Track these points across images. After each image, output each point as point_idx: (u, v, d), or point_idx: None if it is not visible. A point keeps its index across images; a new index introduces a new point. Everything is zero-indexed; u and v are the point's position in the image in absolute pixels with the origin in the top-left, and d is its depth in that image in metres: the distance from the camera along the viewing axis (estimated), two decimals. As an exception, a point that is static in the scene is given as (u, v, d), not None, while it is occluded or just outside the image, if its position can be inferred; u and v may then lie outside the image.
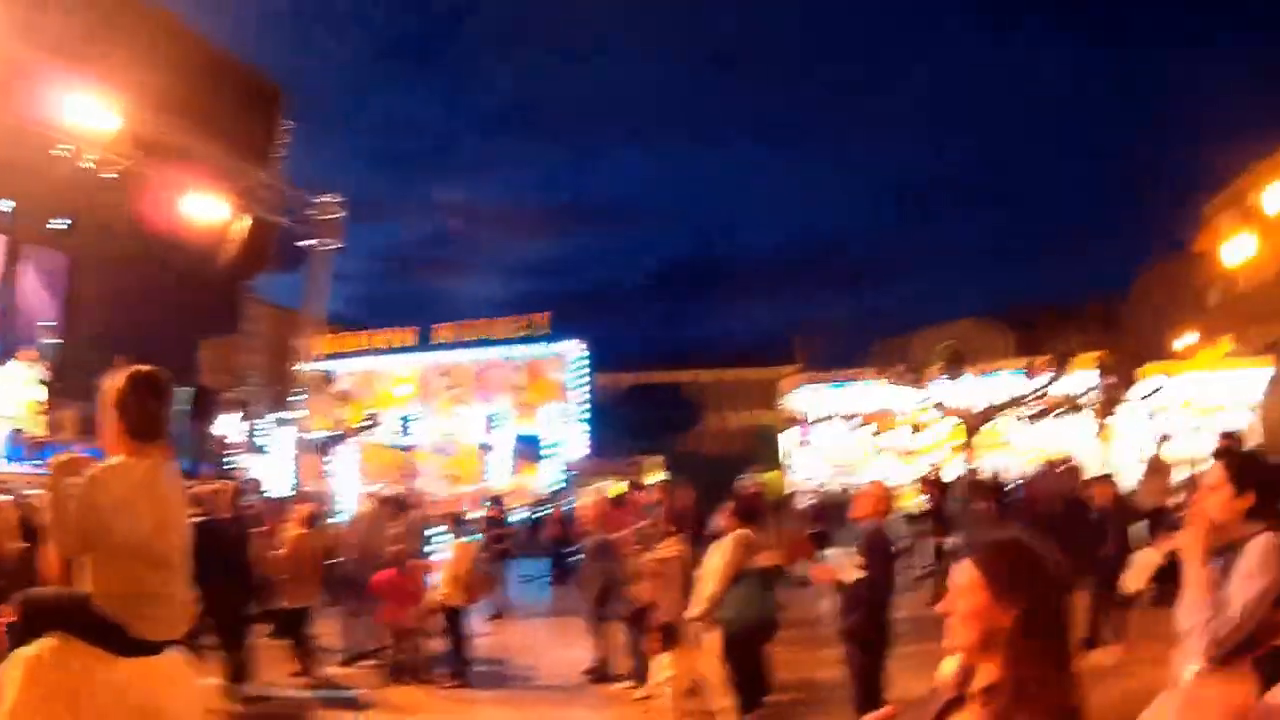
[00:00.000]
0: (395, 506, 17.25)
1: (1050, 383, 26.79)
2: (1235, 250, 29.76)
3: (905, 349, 28.50)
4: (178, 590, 4.58)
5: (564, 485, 34.23)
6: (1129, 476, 22.98)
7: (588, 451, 39.66)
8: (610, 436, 46.78)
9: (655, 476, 32.67)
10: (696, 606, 9.82)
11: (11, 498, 11.90)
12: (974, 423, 26.08)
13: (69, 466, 4.53)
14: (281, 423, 36.18)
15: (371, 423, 32.61)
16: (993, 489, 21.78)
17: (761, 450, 51.59)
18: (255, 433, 36.13)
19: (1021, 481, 26.92)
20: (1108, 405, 32.67)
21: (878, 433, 35.85)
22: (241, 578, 11.80)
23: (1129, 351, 47.25)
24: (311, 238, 26.54)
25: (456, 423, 38.29)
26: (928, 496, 21.41)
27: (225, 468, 26.38)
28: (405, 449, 35.33)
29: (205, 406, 26.70)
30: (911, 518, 22.61)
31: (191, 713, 3.72)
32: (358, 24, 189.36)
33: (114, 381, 4.69)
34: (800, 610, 15.30)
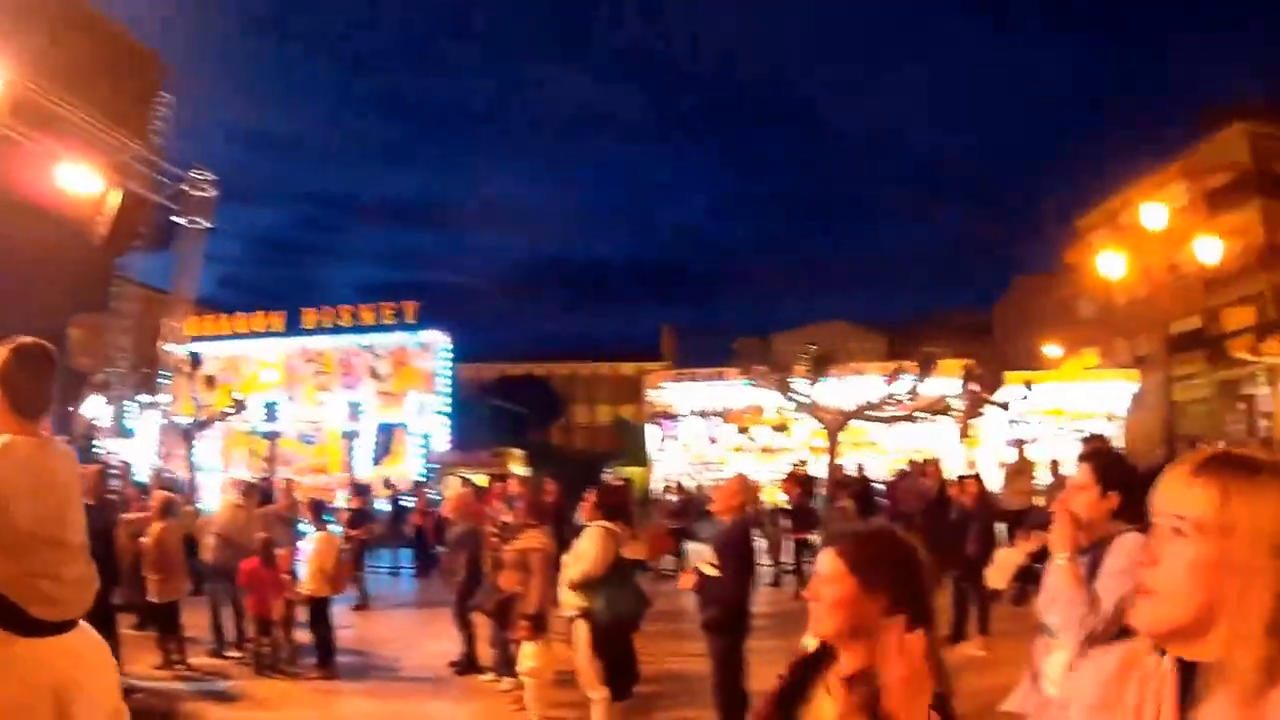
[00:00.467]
0: (260, 495, 17.14)
1: (915, 386, 27.04)
2: (1106, 266, 30.24)
3: (770, 349, 28.66)
4: (76, 569, 4.54)
5: (428, 477, 33.99)
6: (991, 479, 23.43)
7: (450, 443, 39.47)
8: (474, 428, 46.62)
9: (519, 469, 32.67)
10: (564, 598, 9.87)
11: None
12: (837, 423, 26.25)
13: None
14: (147, 406, 35.72)
15: (237, 408, 32.17)
16: (856, 487, 22.03)
17: (626, 445, 51.73)
18: (122, 416, 35.65)
19: (885, 481, 27.35)
20: (972, 410, 33.14)
21: (741, 430, 36.02)
22: (106, 566, 11.66)
23: (996, 358, 48.03)
24: (183, 215, 26.18)
25: (321, 410, 37.92)
26: (789, 495, 21.56)
27: (91, 451, 26.05)
28: (270, 436, 34.94)
29: (73, 387, 26.22)
30: (773, 514, 22.80)
31: (106, 691, 3.72)
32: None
33: None
34: (664, 603, 15.44)
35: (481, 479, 26.07)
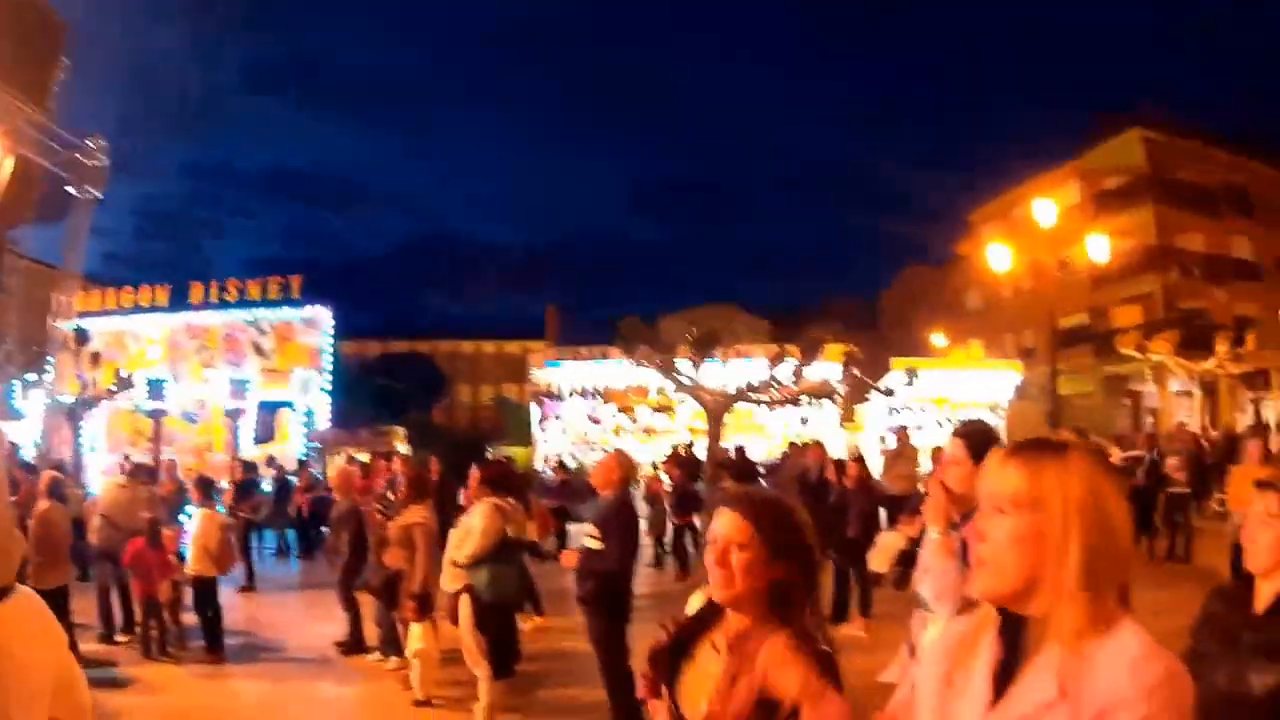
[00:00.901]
0: (145, 475, 16.93)
1: (799, 369, 27.18)
2: (994, 259, 30.58)
3: (656, 330, 28.64)
4: None
5: (310, 455, 33.66)
6: (874, 464, 23.62)
7: (333, 421, 39.16)
8: (357, 406, 46.30)
9: (402, 448, 32.48)
10: (449, 575, 9.92)
11: None
12: (720, 405, 26.35)
13: None
14: (31, 385, 35.12)
15: (122, 386, 31.66)
16: (738, 469, 22.13)
17: (510, 425, 51.60)
18: (8, 395, 35.05)
19: (766, 464, 27.46)
20: (855, 395, 33.39)
21: (623, 411, 36.06)
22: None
23: (882, 345, 48.39)
24: (75, 185, 25.74)
25: (206, 388, 37.36)
26: (671, 476, 21.63)
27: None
28: (155, 415, 34.44)
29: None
30: (654, 495, 22.88)
31: (48, 655, 3.64)
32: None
33: None
34: (547, 583, 15.50)
35: (365, 457, 25.95)
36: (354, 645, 13.14)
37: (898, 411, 32.83)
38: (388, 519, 11.92)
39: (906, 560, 6.24)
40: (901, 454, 22.27)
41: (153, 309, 38.86)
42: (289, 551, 24.13)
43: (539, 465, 33.59)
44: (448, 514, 12.63)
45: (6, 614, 4.27)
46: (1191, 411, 41.07)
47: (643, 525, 21.11)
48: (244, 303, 38.42)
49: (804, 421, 34.88)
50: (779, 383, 27.49)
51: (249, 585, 18.25)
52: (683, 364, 26.29)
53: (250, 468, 23.92)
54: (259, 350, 38.46)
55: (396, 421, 41.88)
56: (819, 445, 20.94)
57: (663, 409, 36.06)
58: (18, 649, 4.00)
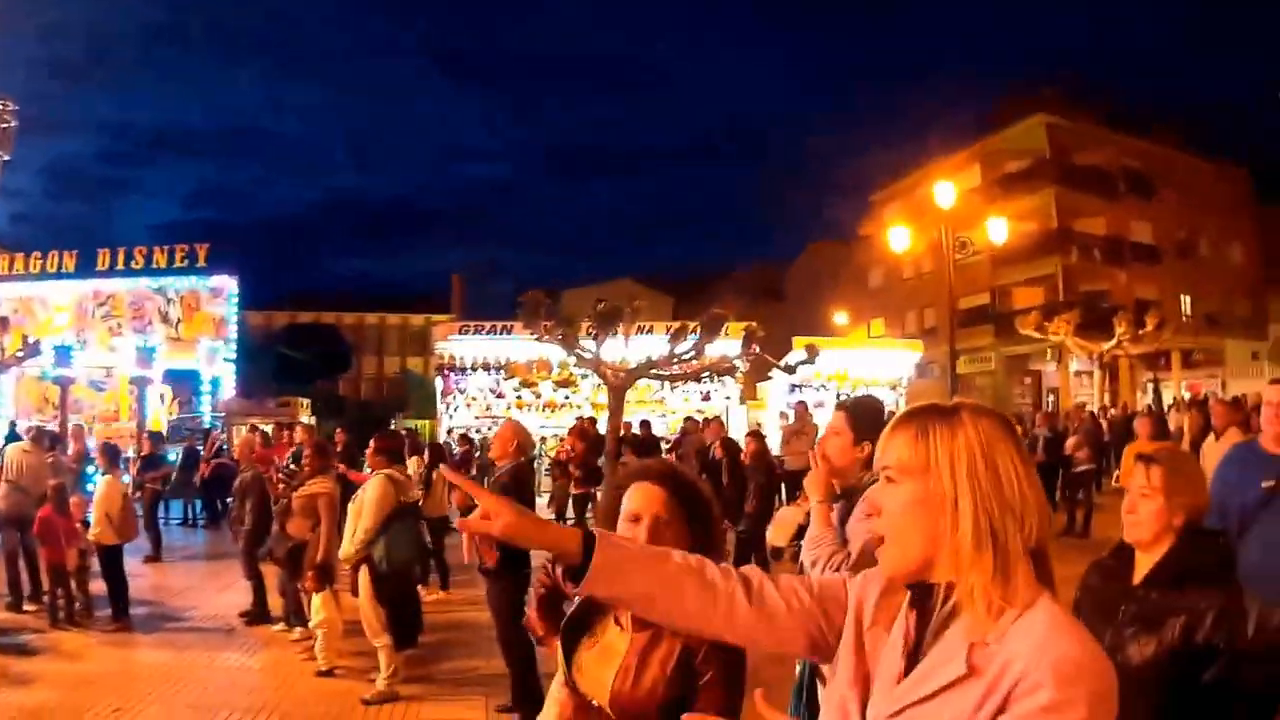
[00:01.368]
0: (51, 442, 16.91)
1: (700, 345, 27.31)
2: (895, 239, 30.91)
3: (559, 304, 28.66)
4: None
5: (215, 425, 33.46)
6: (774, 441, 23.87)
7: (237, 391, 38.93)
8: (262, 377, 46.13)
9: (307, 418, 32.41)
10: (348, 545, 9.99)
11: None
12: (622, 381, 26.44)
13: None
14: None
15: (30, 352, 31.29)
16: (640, 444, 22.32)
17: (414, 397, 51.46)
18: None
19: (667, 439, 27.69)
20: (757, 371, 33.62)
21: (526, 385, 36.08)
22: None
23: (785, 322, 48.65)
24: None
25: (113, 356, 36.94)
26: (572, 449, 21.76)
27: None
28: (61, 382, 34.10)
29: None
30: (555, 469, 23.03)
31: None
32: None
33: None
34: (450, 556, 15.72)
35: (269, 428, 25.95)
36: (258, 615, 13.23)
37: (799, 389, 32.98)
38: (292, 489, 12.06)
39: (804, 534, 6.44)
40: (801, 431, 22.39)
41: (60, 275, 38.43)
42: (195, 521, 24.07)
43: (442, 438, 33.60)
44: (350, 485, 12.75)
45: None
46: (1091, 391, 41.58)
47: (544, 499, 21.43)
48: (151, 270, 38.10)
49: (706, 397, 34.88)
50: (680, 359, 27.66)
51: (155, 555, 18.24)
52: (584, 339, 26.39)
53: (155, 438, 23.88)
54: (165, 318, 38.20)
55: (301, 392, 41.76)
56: (718, 421, 21.10)
57: (565, 384, 36.07)
58: None
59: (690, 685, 3.04)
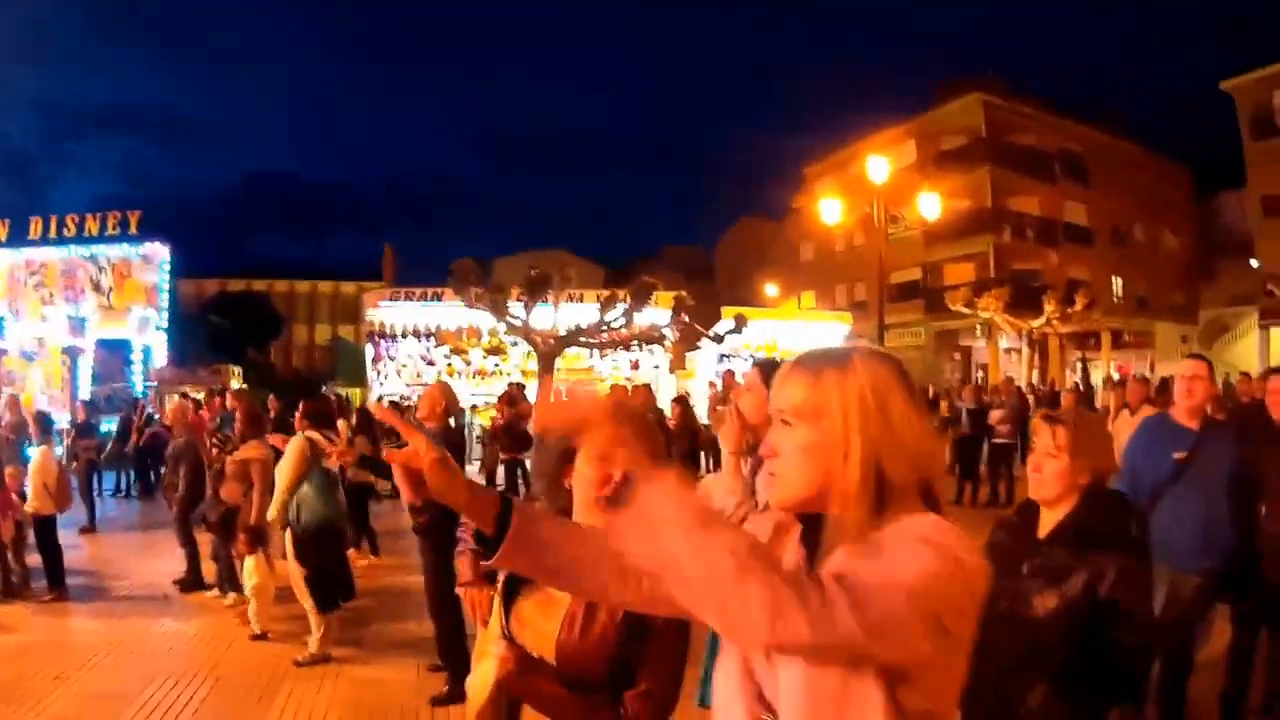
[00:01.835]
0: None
1: (630, 313, 27.48)
2: (827, 213, 31.12)
3: (490, 272, 28.68)
4: None
5: (147, 394, 33.29)
6: (702, 410, 24.13)
7: (169, 360, 38.76)
8: (193, 346, 45.95)
9: (238, 386, 32.33)
10: (272, 508, 10.11)
11: None
12: (552, 348, 26.60)
13: None
14: None
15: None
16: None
17: (345, 365, 51.37)
18: None
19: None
20: (686, 341, 33.81)
21: (456, 352, 36.06)
22: None
23: (715, 294, 48.86)
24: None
25: (45, 326, 36.62)
26: (501, 415, 21.86)
27: None
28: (-8, 352, 33.85)
29: None
30: (486, 436, 23.14)
31: None
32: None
33: None
34: (380, 522, 15.87)
35: (200, 396, 25.93)
36: (192, 582, 13.30)
37: (728, 358, 33.18)
38: (225, 454, 12.14)
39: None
40: (728, 400, 22.69)
41: (-8, 244, 38.16)
42: (129, 492, 24.05)
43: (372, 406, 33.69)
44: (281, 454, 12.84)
45: None
46: (1020, 368, 42.01)
47: (475, 466, 21.53)
48: (83, 239, 37.83)
49: (635, 366, 35.12)
50: (610, 326, 27.83)
51: (90, 525, 18.25)
52: (515, 306, 26.50)
53: (89, 407, 23.84)
54: (97, 287, 37.95)
55: (233, 361, 41.68)
56: (646, 389, 21.25)
57: (495, 351, 36.11)
58: None
59: (642, 632, 3.03)
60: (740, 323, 32.62)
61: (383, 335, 36.80)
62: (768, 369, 5.16)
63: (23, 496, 13.12)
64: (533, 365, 29.98)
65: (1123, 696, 4.07)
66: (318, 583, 9.93)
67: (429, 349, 36.33)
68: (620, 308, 27.62)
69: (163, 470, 19.88)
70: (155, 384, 34.66)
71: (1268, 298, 46.26)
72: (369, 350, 37.65)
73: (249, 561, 10.68)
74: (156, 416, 26.03)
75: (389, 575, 14.11)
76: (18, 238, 38.05)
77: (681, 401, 17.63)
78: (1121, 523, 4.33)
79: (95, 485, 20.61)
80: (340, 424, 16.13)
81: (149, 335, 37.73)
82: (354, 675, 9.43)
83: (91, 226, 37.96)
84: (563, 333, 26.92)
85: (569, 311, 28.28)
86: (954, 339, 55.73)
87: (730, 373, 25.61)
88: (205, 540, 13.27)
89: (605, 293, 29.66)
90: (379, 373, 36.61)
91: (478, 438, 24.49)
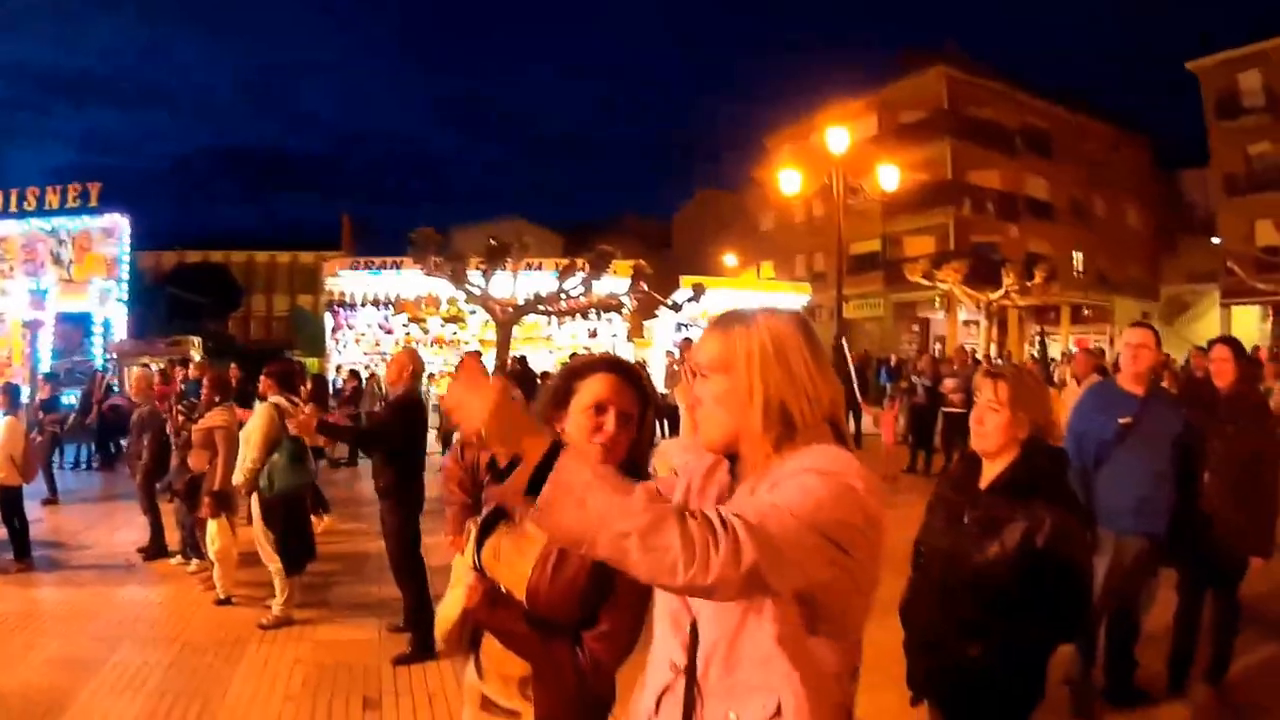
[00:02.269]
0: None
1: (587, 281, 27.57)
2: (786, 183, 31.23)
3: (449, 241, 28.69)
4: None
5: (107, 367, 33.19)
6: (660, 379, 24.27)
7: (129, 332, 38.62)
8: (153, 317, 45.80)
9: (198, 357, 32.30)
10: (238, 473, 10.23)
11: None
12: (510, 316, 26.65)
13: None
14: None
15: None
16: (520, 378, 22.58)
17: (304, 334, 51.30)
18: None
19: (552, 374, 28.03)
20: (644, 310, 33.92)
21: (414, 321, 36.06)
22: None
23: (674, 263, 48.91)
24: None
25: (4, 299, 36.46)
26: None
27: None
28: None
29: None
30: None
31: None
32: None
33: None
34: (340, 490, 16.04)
35: (161, 366, 25.92)
36: (156, 550, 13.38)
37: (686, 327, 33.31)
38: (191, 422, 12.22)
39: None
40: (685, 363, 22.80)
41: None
42: (89, 464, 24.07)
43: (331, 374, 33.63)
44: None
45: None
46: (979, 340, 42.26)
47: (433, 434, 21.70)
48: (43, 212, 37.68)
49: (593, 334, 35.59)
50: (568, 295, 27.92)
51: (52, 498, 18.26)
52: (473, 275, 26.54)
53: (52, 379, 23.87)
54: (57, 260, 37.81)
55: (192, 332, 41.57)
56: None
57: (454, 319, 36.14)
58: None
59: (609, 576, 2.99)
60: (698, 291, 32.72)
61: (342, 304, 36.81)
62: None
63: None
64: (491, 334, 29.99)
65: (1059, 640, 4.27)
66: (285, 546, 10.09)
67: (388, 318, 36.38)
68: (579, 276, 27.70)
69: (123, 442, 19.96)
70: (114, 356, 34.46)
71: (1228, 276, 46.61)
72: (328, 319, 37.64)
73: (212, 526, 10.76)
74: (117, 388, 26.05)
75: (348, 541, 14.26)
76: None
77: (639, 367, 17.74)
78: (1059, 475, 4.48)
79: (57, 458, 20.64)
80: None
81: (109, 307, 37.61)
82: (317, 637, 9.59)
83: (52, 199, 37.77)
84: (521, 301, 26.97)
85: (527, 280, 28.32)
86: (913, 311, 55.94)
87: (688, 341, 25.73)
88: (169, 509, 13.41)
89: (564, 261, 29.74)
90: (338, 341, 36.64)
91: (434, 406, 24.64)
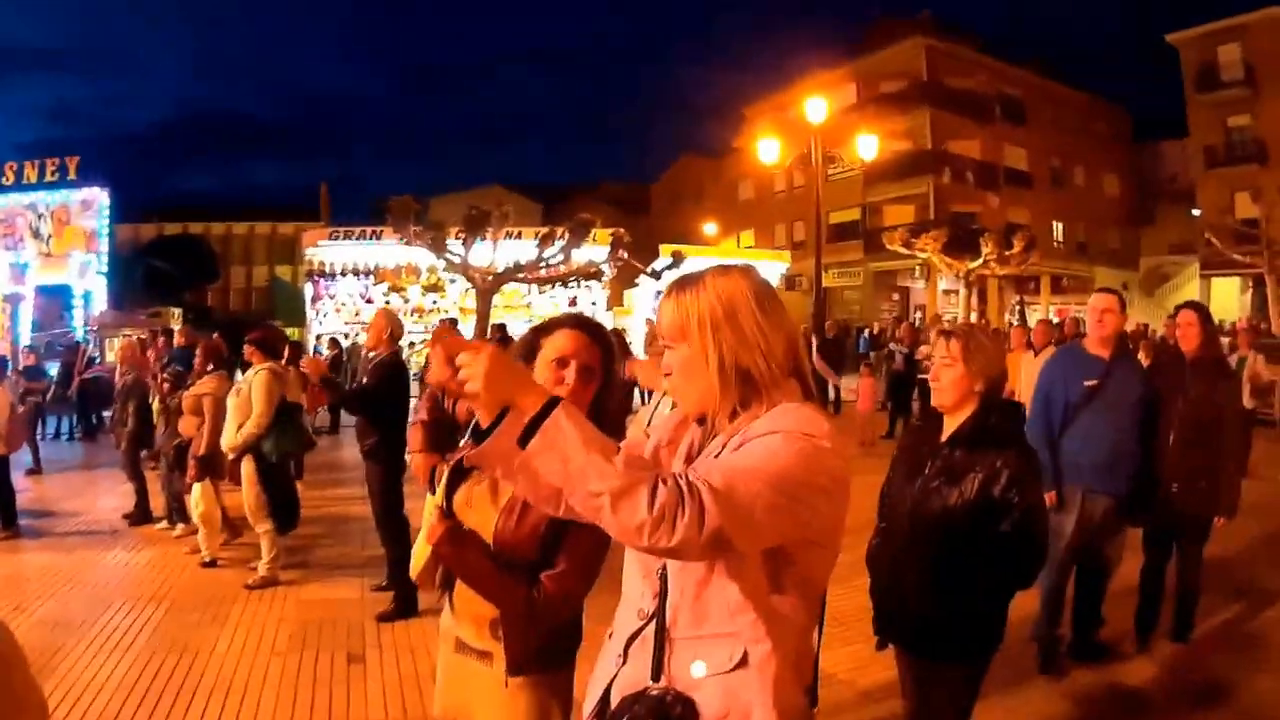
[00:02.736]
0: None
1: (567, 250, 27.64)
2: (765, 152, 31.28)
3: (427, 210, 28.68)
4: None
5: (88, 339, 33.17)
6: (639, 348, 24.34)
7: (108, 304, 38.59)
8: (132, 288, 45.74)
9: (178, 328, 32.35)
10: (234, 436, 10.26)
11: None
12: (489, 285, 26.70)
13: None
14: None
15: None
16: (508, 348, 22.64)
17: (283, 305, 51.22)
18: None
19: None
20: (624, 276, 33.99)
21: (394, 290, 36.08)
22: None
23: (653, 231, 48.92)
24: None
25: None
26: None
27: None
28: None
29: None
30: (423, 370, 23.35)
31: None
32: None
33: None
34: (322, 456, 16.13)
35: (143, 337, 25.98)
36: (141, 516, 13.54)
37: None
38: (175, 390, 12.39)
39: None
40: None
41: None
42: (71, 435, 24.16)
43: (311, 343, 33.68)
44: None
45: None
46: (958, 309, 42.39)
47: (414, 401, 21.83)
48: (21, 186, 37.66)
49: (573, 303, 35.36)
50: (547, 263, 27.99)
51: (36, 467, 18.39)
52: (453, 243, 26.58)
53: (36, 350, 23.96)
54: (37, 234, 37.80)
55: (171, 304, 41.56)
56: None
57: (433, 288, 36.20)
58: None
59: (568, 522, 2.99)
60: (678, 259, 32.78)
61: (321, 274, 36.78)
62: None
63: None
64: (471, 302, 30.06)
65: (1018, 585, 4.42)
66: (276, 506, 10.26)
67: (367, 287, 36.39)
68: (558, 244, 27.77)
69: (104, 413, 20.06)
70: (95, 328, 34.44)
71: (1207, 247, 46.82)
72: (308, 289, 37.63)
73: (196, 490, 10.93)
74: (97, 359, 26.11)
75: (331, 504, 14.43)
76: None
77: (615, 334, 17.80)
78: (1015, 427, 4.67)
79: (40, 429, 20.72)
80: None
81: (89, 280, 37.63)
82: (302, 596, 9.77)
83: (30, 174, 37.85)
84: (500, 269, 27.03)
85: (507, 248, 28.34)
86: (892, 279, 56.14)
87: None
88: (154, 476, 13.65)
89: (543, 229, 29.79)
90: (318, 311, 36.63)
91: (415, 375, 24.68)
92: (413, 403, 9.16)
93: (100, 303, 38.02)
